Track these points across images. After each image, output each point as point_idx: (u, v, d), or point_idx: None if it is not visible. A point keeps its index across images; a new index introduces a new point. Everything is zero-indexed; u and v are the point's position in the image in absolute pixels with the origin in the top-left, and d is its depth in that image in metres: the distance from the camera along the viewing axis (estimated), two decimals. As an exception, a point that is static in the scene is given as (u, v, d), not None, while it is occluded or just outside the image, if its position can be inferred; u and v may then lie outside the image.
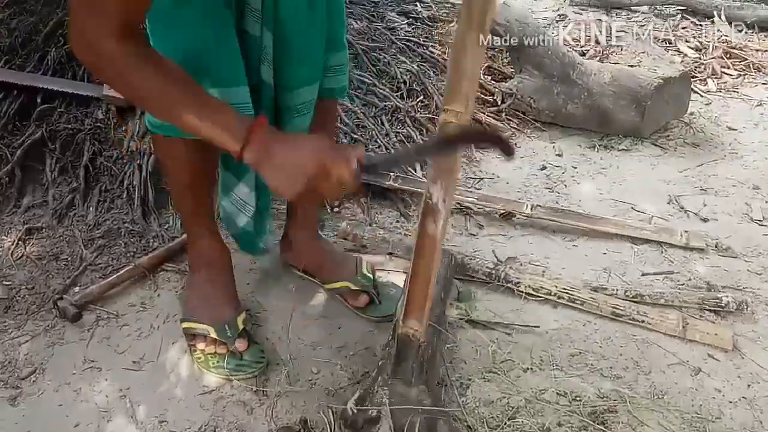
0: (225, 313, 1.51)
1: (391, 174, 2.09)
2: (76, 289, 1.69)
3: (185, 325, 1.52)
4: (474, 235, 1.97)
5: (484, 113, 2.57)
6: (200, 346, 1.49)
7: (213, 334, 1.48)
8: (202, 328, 1.49)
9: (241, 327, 1.48)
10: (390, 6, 3.05)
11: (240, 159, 1.03)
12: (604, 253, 1.90)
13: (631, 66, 2.51)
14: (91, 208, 1.92)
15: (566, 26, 3.48)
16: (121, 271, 1.70)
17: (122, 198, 1.95)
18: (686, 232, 1.93)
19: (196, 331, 1.50)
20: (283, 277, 1.76)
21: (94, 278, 1.72)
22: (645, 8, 3.71)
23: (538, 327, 1.61)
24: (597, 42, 3.21)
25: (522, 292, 1.70)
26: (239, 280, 1.67)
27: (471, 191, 2.13)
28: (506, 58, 2.85)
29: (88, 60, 0.99)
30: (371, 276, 1.69)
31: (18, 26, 2.31)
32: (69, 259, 1.78)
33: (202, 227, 1.55)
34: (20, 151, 1.99)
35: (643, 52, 2.60)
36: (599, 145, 2.46)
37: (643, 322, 1.62)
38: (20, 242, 1.81)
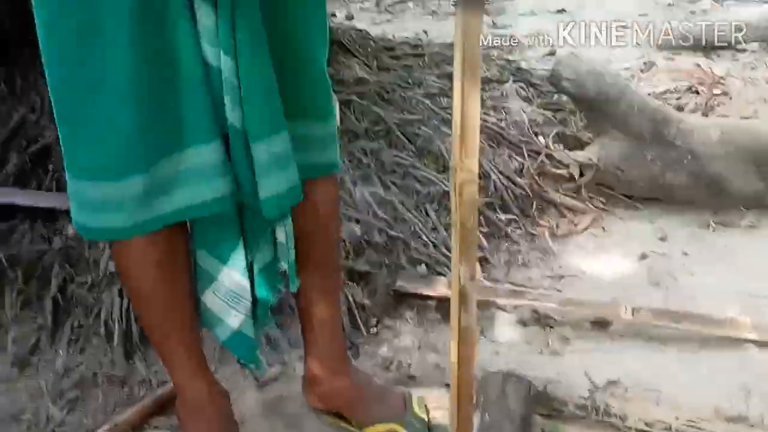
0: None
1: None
2: (42, 458, 1.66)
3: (177, 502, 1.46)
4: (558, 353, 1.92)
5: (558, 191, 2.55)
6: None
7: None
8: None
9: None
10: (428, 69, 3.12)
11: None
12: (739, 367, 1.81)
13: (746, 118, 2.49)
14: (60, 351, 1.92)
15: (655, 76, 3.52)
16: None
17: (99, 335, 1.94)
18: None
19: None
20: (307, 423, 1.71)
21: (64, 442, 1.69)
22: (755, 45, 3.72)
23: (658, 476, 1.50)
24: (696, 93, 3.23)
25: (630, 428, 1.60)
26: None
27: (550, 294, 2.08)
28: (581, 120, 2.85)
29: None
30: (424, 416, 1.63)
31: None
32: (32, 419, 1.76)
33: (185, 363, 1.54)
34: None
35: (761, 99, 2.58)
36: (715, 223, 2.42)
37: (805, 461, 1.50)
38: None
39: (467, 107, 1.18)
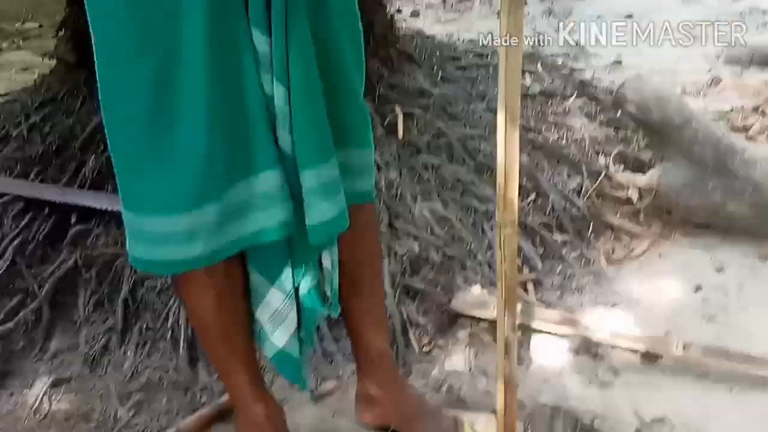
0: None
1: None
2: (108, 459, 1.75)
3: None
4: (607, 384, 1.93)
5: (616, 214, 2.56)
6: None
7: None
8: None
9: None
10: (493, 81, 3.12)
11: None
12: (789, 412, 1.81)
13: None
14: (129, 353, 2.01)
15: (721, 92, 3.48)
16: (162, 436, 1.76)
17: (166, 339, 2.02)
18: None
19: None
20: (362, 442, 1.76)
21: (129, 444, 1.79)
22: None
23: None
24: (763, 113, 3.18)
25: (674, 469, 1.62)
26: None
27: (601, 322, 2.09)
28: (643, 140, 2.84)
29: None
30: None
31: (53, 130, 2.53)
32: (101, 419, 1.86)
33: (238, 379, 1.59)
34: (50, 284, 2.13)
35: None
36: None
37: None
38: (45, 397, 1.91)
39: (509, 165, 1.25)
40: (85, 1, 1.28)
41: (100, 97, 1.32)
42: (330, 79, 1.38)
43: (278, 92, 1.30)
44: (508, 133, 1.24)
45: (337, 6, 1.39)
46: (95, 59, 1.30)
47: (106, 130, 1.35)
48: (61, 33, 2.82)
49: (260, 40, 1.28)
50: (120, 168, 1.36)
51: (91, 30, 1.28)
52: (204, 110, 1.27)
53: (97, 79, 1.31)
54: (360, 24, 1.46)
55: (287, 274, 1.47)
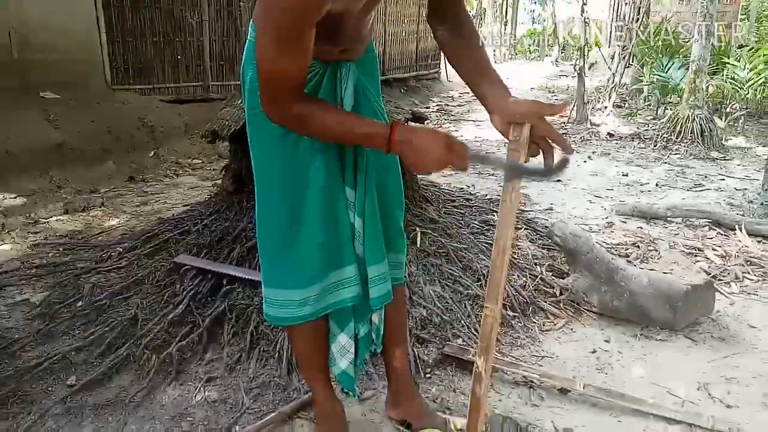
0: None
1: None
2: (236, 428, 1.85)
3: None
4: (536, 406, 2.00)
5: (545, 302, 2.66)
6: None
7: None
8: None
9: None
10: (475, 215, 3.31)
11: (389, 148, 1.24)
12: (644, 430, 1.88)
13: (665, 273, 2.56)
14: (252, 364, 2.12)
15: (613, 232, 3.62)
16: (269, 416, 1.87)
17: (275, 358, 2.13)
18: (712, 416, 1.90)
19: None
20: (386, 426, 1.86)
21: (250, 420, 1.88)
22: (678, 220, 3.75)
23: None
24: (637, 247, 3.31)
25: (575, 459, 1.70)
26: (352, 428, 1.80)
27: (534, 367, 2.18)
28: (563, 258, 2.98)
29: (279, 122, 1.25)
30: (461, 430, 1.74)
31: (216, 229, 2.72)
32: (233, 403, 1.96)
33: (320, 386, 1.71)
34: (208, 320, 2.26)
35: (675, 262, 2.66)
36: (640, 335, 2.45)
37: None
38: (201, 388, 2.03)
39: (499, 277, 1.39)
40: (253, 169, 1.46)
41: (256, 218, 1.47)
42: (385, 215, 1.55)
43: (357, 221, 1.48)
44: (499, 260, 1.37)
45: (389, 174, 1.58)
46: (256, 197, 1.46)
47: (258, 240, 1.49)
48: (224, 173, 3.01)
49: (349, 192, 1.47)
50: (264, 261, 1.49)
51: (255, 181, 1.46)
52: (318, 231, 1.44)
53: (256, 208, 1.46)
54: (402, 184, 1.64)
55: (351, 324, 1.60)
